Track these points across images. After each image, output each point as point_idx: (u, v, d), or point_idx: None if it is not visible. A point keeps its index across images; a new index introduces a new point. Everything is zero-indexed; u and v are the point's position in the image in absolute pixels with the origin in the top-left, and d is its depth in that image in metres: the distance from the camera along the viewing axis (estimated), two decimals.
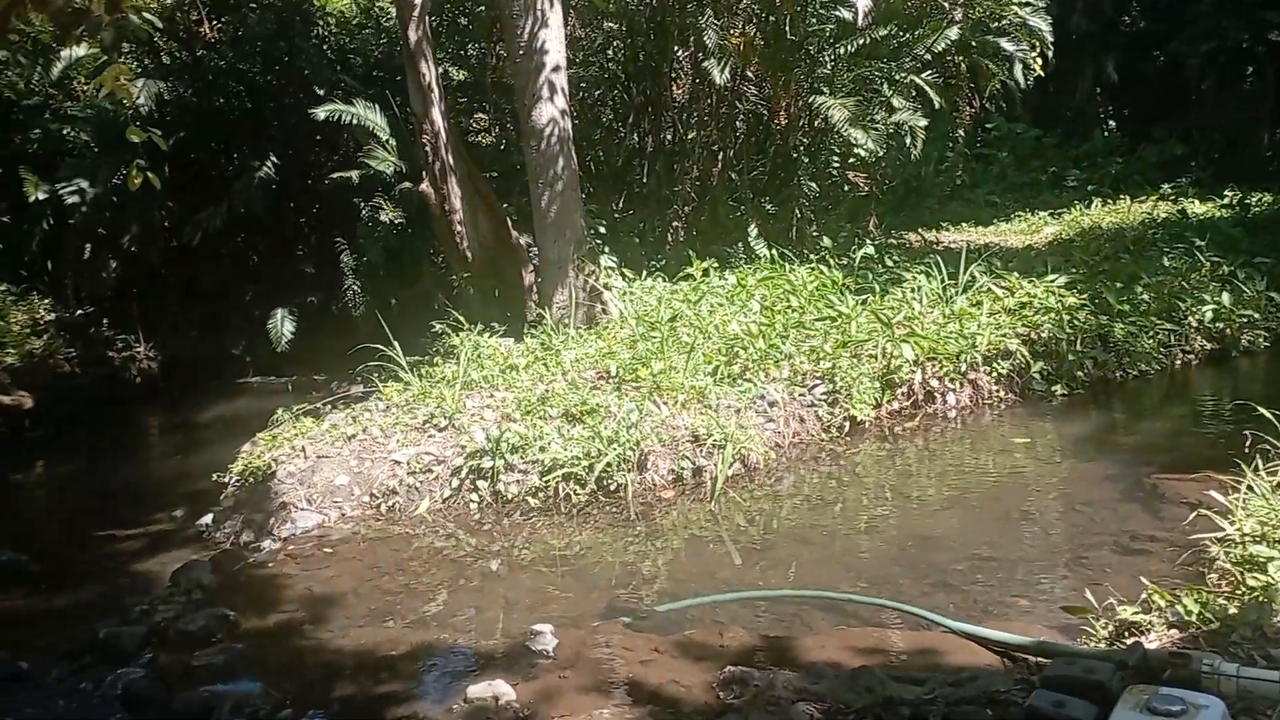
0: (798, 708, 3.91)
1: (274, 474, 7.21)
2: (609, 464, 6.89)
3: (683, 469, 7.14)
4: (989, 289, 9.70)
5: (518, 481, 6.95)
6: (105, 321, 14.41)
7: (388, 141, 12.64)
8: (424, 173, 10.81)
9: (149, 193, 11.98)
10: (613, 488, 6.92)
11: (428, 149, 10.60)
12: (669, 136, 14.20)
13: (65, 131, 13.54)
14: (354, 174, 12.64)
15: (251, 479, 7.34)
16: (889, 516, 6.61)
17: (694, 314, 9.52)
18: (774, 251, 11.80)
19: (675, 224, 13.88)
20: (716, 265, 11.09)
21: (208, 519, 7.25)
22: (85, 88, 14.04)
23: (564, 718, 4.09)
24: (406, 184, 12.42)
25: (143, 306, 14.57)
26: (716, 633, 4.89)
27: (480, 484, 6.95)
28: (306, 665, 4.87)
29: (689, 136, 14.07)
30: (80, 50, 12.64)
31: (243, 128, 14.32)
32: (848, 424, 8.08)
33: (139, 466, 10.66)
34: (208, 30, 13.94)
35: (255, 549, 6.54)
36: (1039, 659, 4.19)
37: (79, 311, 14.12)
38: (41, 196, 12.80)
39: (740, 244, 12.90)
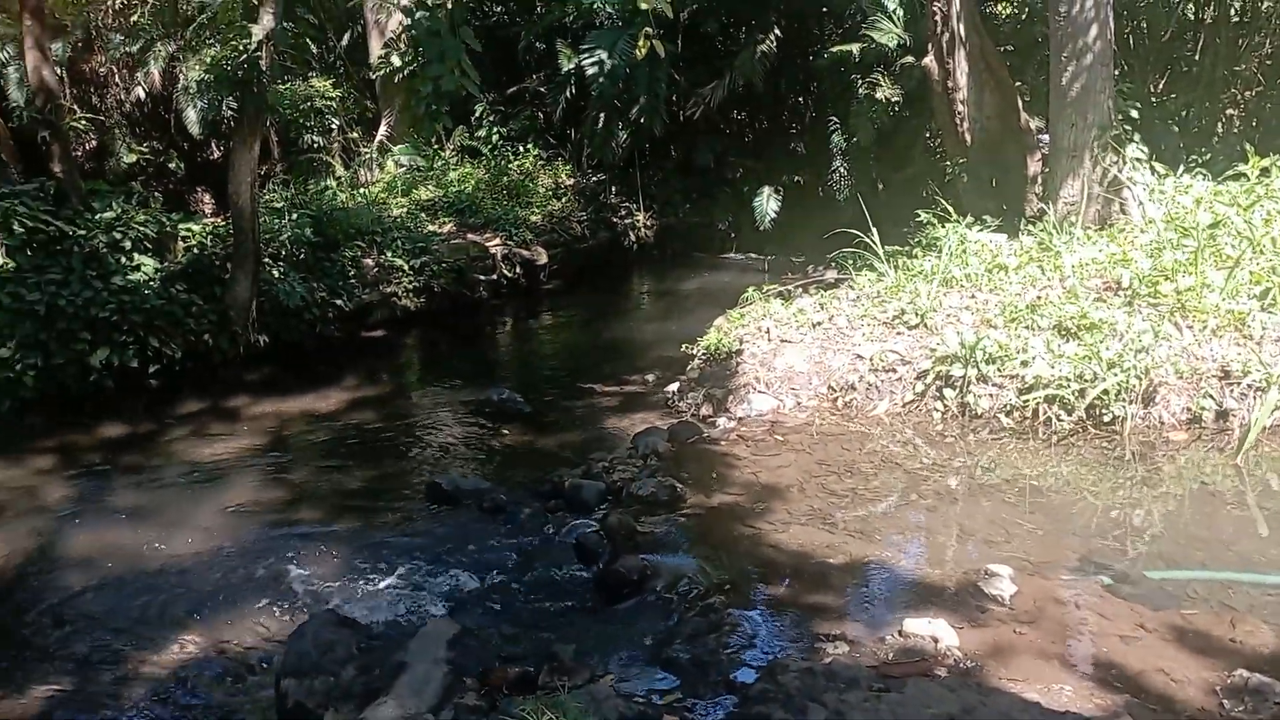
0: None
1: (738, 352, 7.19)
2: (1106, 391, 5.86)
3: (1203, 409, 5.86)
4: None
5: (990, 395, 6.20)
6: (613, 189, 15.61)
7: (894, 12, 11.83)
8: (929, 45, 9.92)
9: (656, 65, 12.48)
10: (1107, 419, 5.89)
11: (937, 19, 9.68)
12: (1238, 4, 11.62)
13: (595, 5, 14.50)
14: (854, 48, 12.05)
15: (717, 354, 7.40)
16: None
17: (1244, 221, 7.73)
18: None
19: (1230, 111, 11.49)
20: None
21: (673, 388, 7.47)
22: None
23: (1015, 682, 3.47)
24: (909, 59, 11.58)
25: (644, 177, 15.52)
26: (1227, 621, 3.88)
27: (947, 392, 6.31)
28: (742, 554, 4.74)
29: (1265, 4, 11.39)
30: None
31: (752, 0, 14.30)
32: None
33: (625, 327, 11.45)
34: None
35: (711, 424, 6.59)
36: None
37: (593, 179, 15.42)
38: (569, 67, 13.94)
39: None
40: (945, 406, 6.29)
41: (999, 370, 6.22)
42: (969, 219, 8.68)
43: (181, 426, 7.84)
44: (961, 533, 4.85)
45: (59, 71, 12.79)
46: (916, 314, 6.97)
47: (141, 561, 5.31)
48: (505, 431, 7.39)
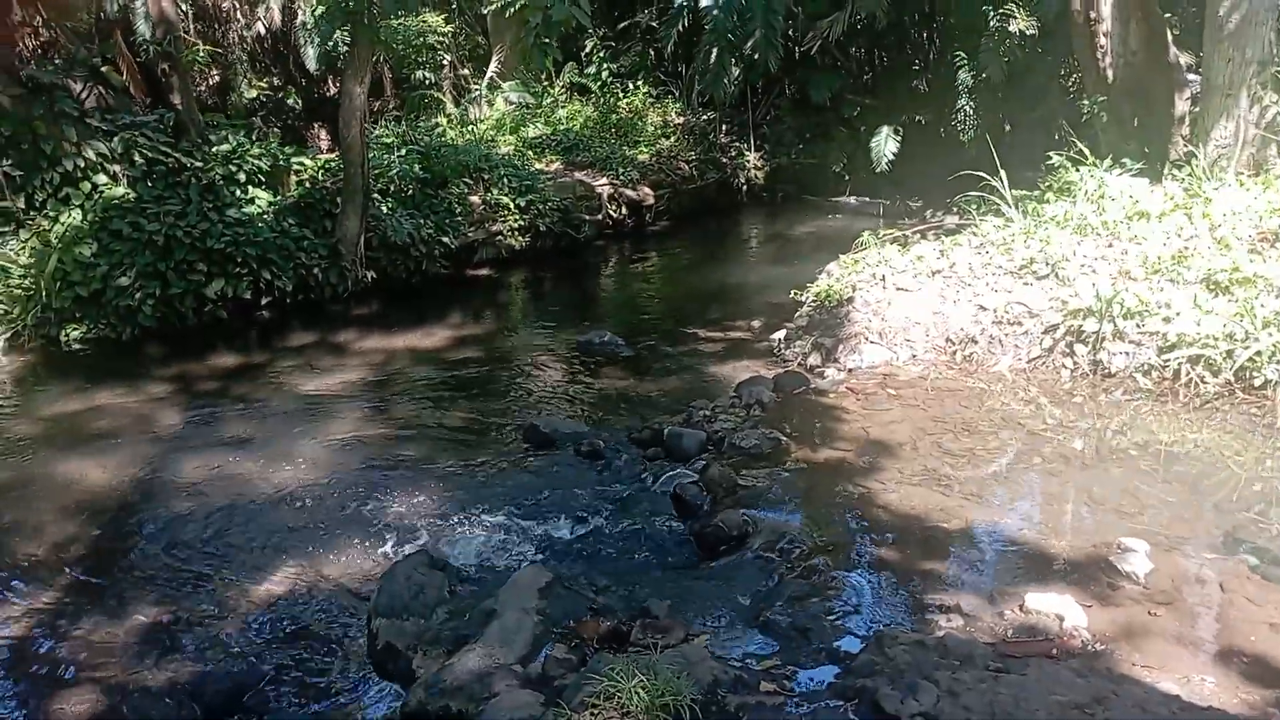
0: None
1: (850, 300, 6.85)
2: (1259, 352, 5.34)
3: None
4: None
5: (1127, 354, 5.74)
6: (724, 128, 15.16)
7: None
8: None
9: None
10: (1258, 383, 5.37)
11: None
12: None
13: None
14: None
15: (827, 302, 7.07)
16: None
17: None
18: None
19: None
20: None
21: (779, 335, 7.18)
22: None
23: (1151, 670, 3.16)
24: None
25: (756, 116, 15.02)
26: None
27: (1078, 349, 5.87)
28: (849, 513, 4.49)
29: None
30: None
31: None
32: None
33: (731, 271, 11.14)
34: None
35: (818, 375, 6.30)
36: None
37: (703, 117, 15.00)
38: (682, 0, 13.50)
39: None
40: (1075, 364, 5.85)
41: (1138, 326, 5.74)
42: (1107, 162, 8.07)
43: (290, 358, 7.96)
44: (1090, 501, 4.48)
45: (182, 6, 13.02)
46: (1047, 263, 6.49)
47: (246, 490, 5.38)
48: (605, 374, 7.25)
